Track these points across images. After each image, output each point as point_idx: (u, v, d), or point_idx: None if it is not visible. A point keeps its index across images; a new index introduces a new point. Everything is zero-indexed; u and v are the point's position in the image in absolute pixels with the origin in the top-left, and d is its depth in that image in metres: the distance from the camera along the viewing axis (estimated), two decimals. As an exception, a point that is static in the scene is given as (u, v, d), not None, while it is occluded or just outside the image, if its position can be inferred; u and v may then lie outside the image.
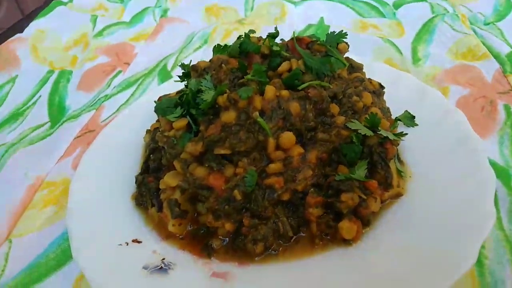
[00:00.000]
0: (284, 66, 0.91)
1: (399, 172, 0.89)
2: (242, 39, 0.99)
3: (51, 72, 1.64)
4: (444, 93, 1.22)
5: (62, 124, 1.35)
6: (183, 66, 1.08)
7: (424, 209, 0.83)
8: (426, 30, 1.57)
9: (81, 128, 1.30)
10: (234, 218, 0.81)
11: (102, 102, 1.41)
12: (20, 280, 0.87)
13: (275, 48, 0.95)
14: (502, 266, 0.76)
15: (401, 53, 1.45)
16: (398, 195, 0.87)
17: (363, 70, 1.07)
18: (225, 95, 0.83)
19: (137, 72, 1.54)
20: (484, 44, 1.42)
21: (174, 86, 1.24)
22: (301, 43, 0.98)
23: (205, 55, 1.60)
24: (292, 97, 0.84)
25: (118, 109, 1.37)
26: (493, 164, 0.96)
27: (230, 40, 1.69)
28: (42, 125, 1.37)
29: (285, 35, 1.68)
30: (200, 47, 1.67)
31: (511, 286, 0.73)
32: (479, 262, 0.77)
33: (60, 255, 0.92)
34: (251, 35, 1.01)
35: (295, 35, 0.98)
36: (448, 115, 1.01)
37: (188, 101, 0.90)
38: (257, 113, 0.81)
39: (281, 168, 0.81)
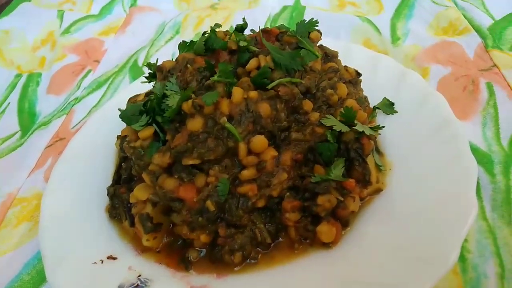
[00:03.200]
0: (252, 63, 0.85)
1: (378, 167, 0.86)
2: (207, 35, 0.93)
3: (19, 76, 1.57)
4: (424, 74, 1.18)
5: (32, 132, 1.30)
6: (149, 66, 1.03)
7: (405, 204, 0.81)
8: (405, 5, 1.51)
9: (52, 135, 1.25)
10: (209, 229, 0.78)
11: (73, 105, 1.35)
12: (-6, 308, 0.85)
13: (242, 43, 0.89)
14: (484, 259, 0.75)
15: (380, 32, 1.40)
16: (378, 190, 0.84)
17: (339, 58, 1.02)
18: (190, 101, 0.78)
19: (107, 71, 1.48)
20: (465, 16, 1.37)
21: (145, 84, 1.18)
22: (270, 36, 0.92)
23: (177, 46, 1.52)
24: (261, 98, 0.80)
25: (89, 112, 1.31)
26: (475, 150, 0.94)
27: (203, 28, 1.63)
28: (13, 135, 1.32)
29: (260, 20, 1.63)
30: (171, 38, 1.60)
31: (494, 280, 0.72)
32: (462, 257, 0.75)
33: (36, 276, 0.89)
34: (217, 29, 0.95)
35: (267, 24, 0.93)
36: (427, 99, 0.97)
37: (153, 108, 0.85)
38: (224, 118, 0.76)
39: (255, 174, 0.77)
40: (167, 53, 1.50)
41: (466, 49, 1.25)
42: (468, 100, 1.09)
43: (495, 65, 1.16)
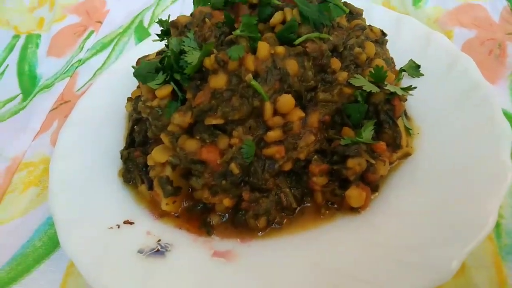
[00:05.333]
0: (277, 17, 0.79)
1: (407, 130, 0.83)
2: (226, -13, 0.86)
3: (17, 37, 1.49)
4: (448, 37, 1.12)
5: (35, 95, 1.24)
6: (161, 22, 0.96)
7: (435, 169, 0.77)
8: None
9: (55, 99, 1.19)
10: (233, 193, 0.74)
11: (76, 68, 1.28)
12: (6, 274, 0.81)
13: (264, -4, 0.83)
14: (520, 225, 0.72)
15: (400, -7, 1.33)
16: (407, 155, 0.81)
17: (363, 16, 0.96)
18: (213, 56, 0.72)
19: (111, 31, 1.40)
20: (489, -22, 1.30)
21: (153, 45, 1.12)
22: (294, -11, 0.86)
23: (184, 6, 1.45)
24: (288, 54, 0.74)
25: (94, 75, 1.25)
26: (505, 114, 0.89)
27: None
28: (14, 98, 1.25)
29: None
30: (178, -3, 1.51)
31: (530, 246, 0.69)
32: (496, 223, 0.72)
33: (48, 242, 0.86)
34: (236, -18, 0.88)
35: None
36: (455, 62, 0.92)
37: (171, 65, 0.79)
38: (250, 75, 0.71)
39: (281, 136, 0.73)
40: (174, 13, 1.40)
41: (491, 12, 1.20)
42: (494, 65, 1.04)
43: (522, 28, 1.11)
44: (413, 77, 0.95)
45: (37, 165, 1.02)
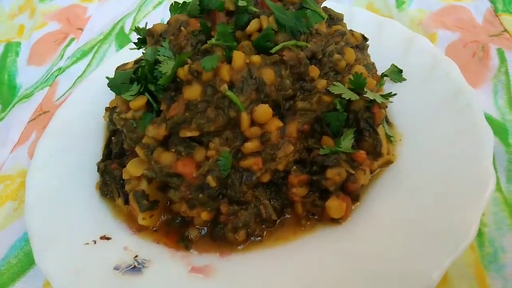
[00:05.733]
0: (253, 25, 0.77)
1: (389, 137, 0.81)
2: (202, -6, 0.84)
3: (-4, 45, 1.45)
4: (431, 40, 1.11)
5: (14, 106, 1.21)
6: (138, 30, 0.94)
7: (417, 176, 0.76)
8: (409, -33, 1.42)
9: (35, 109, 1.17)
10: (211, 206, 0.72)
11: (56, 76, 1.26)
12: (-20, 293, 0.79)
13: (241, 3, 0.81)
14: (502, 233, 0.71)
15: (383, -4, 1.31)
16: (388, 162, 0.79)
17: (344, 21, 0.95)
18: (186, 66, 0.71)
19: (92, 38, 1.38)
20: (472, -20, 1.29)
21: (134, 52, 1.09)
22: (272, -5, 0.84)
23: (166, 12, 1.42)
24: (264, 63, 0.73)
25: (74, 84, 1.23)
26: (488, 118, 0.88)
27: (195, -7, 1.52)
28: (-8, 109, 1.23)
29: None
30: (160, 2, 1.49)
31: (512, 254, 0.68)
32: (478, 231, 0.71)
33: (23, 259, 0.83)
34: (213, -12, 0.86)
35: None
36: (438, 66, 0.91)
37: (145, 75, 0.77)
38: (225, 85, 0.69)
39: (259, 147, 0.71)
40: (155, 19, 1.40)
41: (475, 13, 1.19)
42: (478, 67, 1.03)
43: (505, 30, 1.10)
44: (396, 82, 0.94)
45: (14, 179, 1.00)
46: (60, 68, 1.29)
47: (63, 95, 1.19)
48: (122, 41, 1.34)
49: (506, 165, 0.80)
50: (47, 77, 1.27)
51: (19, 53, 1.41)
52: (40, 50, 1.39)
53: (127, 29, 1.39)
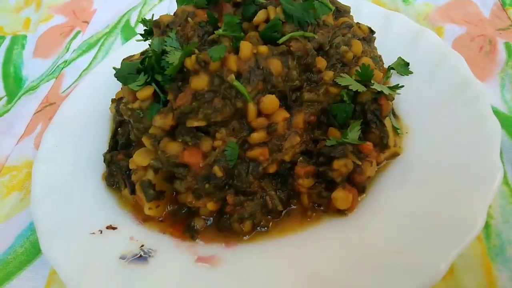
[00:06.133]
0: (260, 16, 0.77)
1: (395, 129, 0.81)
2: (209, -15, 0.84)
3: (2, 38, 1.46)
4: (438, 34, 1.10)
5: (19, 98, 1.21)
6: (144, 22, 0.94)
7: (424, 169, 0.76)
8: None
9: (40, 101, 1.17)
10: (217, 197, 0.72)
11: (62, 69, 1.26)
12: (-14, 281, 0.80)
13: (248, -6, 0.81)
14: (509, 226, 0.71)
15: (390, -10, 1.31)
16: (395, 155, 0.79)
17: (351, 14, 0.95)
18: (194, 56, 0.70)
19: (98, 31, 1.38)
20: (480, -27, 1.28)
21: (139, 45, 1.09)
22: (279, -14, 0.84)
23: (171, 5, 1.43)
24: (271, 54, 0.72)
25: (79, 76, 1.23)
26: (495, 112, 0.88)
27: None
28: (-2, 101, 1.23)
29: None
30: (166, -4, 1.49)
31: (519, 247, 0.68)
32: (485, 224, 0.70)
33: (30, 248, 0.84)
34: (220, -20, 0.86)
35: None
36: (445, 59, 0.91)
37: (152, 66, 0.77)
38: (232, 75, 0.69)
39: (265, 137, 0.71)
40: (161, 13, 1.38)
41: (482, 7, 1.18)
42: (485, 61, 1.03)
43: (513, 24, 1.10)
44: (402, 75, 0.93)
45: (21, 169, 1.00)
46: (66, 61, 1.29)
47: (69, 87, 1.19)
48: (127, 34, 1.34)
49: (513, 158, 0.80)
50: (53, 70, 1.27)
51: (25, 45, 1.41)
52: (46, 43, 1.40)
53: (132, 22, 1.39)
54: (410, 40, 0.99)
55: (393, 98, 0.80)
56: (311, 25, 0.78)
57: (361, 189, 0.74)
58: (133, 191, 0.79)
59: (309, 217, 0.74)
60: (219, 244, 0.74)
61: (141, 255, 0.72)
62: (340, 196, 0.71)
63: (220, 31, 0.75)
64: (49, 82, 1.23)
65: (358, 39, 0.87)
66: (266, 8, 0.78)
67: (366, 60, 0.81)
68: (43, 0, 1.58)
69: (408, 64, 0.94)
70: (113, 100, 0.98)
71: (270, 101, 0.71)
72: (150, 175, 0.75)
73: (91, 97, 1.06)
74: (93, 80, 1.10)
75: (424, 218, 0.68)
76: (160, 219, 0.79)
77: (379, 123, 0.76)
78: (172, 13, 0.88)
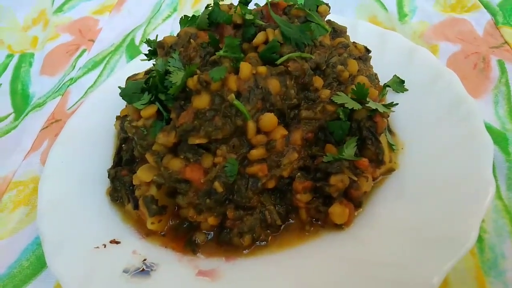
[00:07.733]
0: (260, 37, 0.81)
1: (391, 146, 0.83)
2: (210, 8, 0.88)
3: (10, 56, 1.51)
4: (433, 51, 1.14)
5: (27, 114, 1.25)
6: (148, 42, 0.98)
7: (419, 183, 0.78)
8: (411, -19, 1.45)
9: (47, 118, 1.20)
10: (217, 211, 0.75)
11: (68, 86, 1.30)
12: (-7, 295, 0.82)
13: (248, 16, 0.85)
14: (502, 239, 0.72)
15: (386, 9, 1.35)
16: (390, 170, 0.81)
17: (347, 34, 0.98)
18: (196, 77, 0.74)
19: (103, 50, 1.42)
20: (473, -7, 1.32)
21: (144, 63, 1.13)
22: (277, 8, 0.88)
23: (175, 25, 1.47)
24: (270, 74, 0.76)
25: (85, 93, 1.26)
26: (488, 128, 0.90)
27: (202, 5, 1.57)
28: (6, 117, 1.27)
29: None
30: (169, 15, 1.53)
31: (512, 260, 0.70)
32: (479, 237, 0.72)
33: (35, 262, 0.86)
34: (221, 2, 0.90)
35: (270, -1, 0.88)
36: (439, 77, 0.93)
37: (156, 85, 0.80)
38: (232, 95, 0.72)
39: (264, 154, 0.74)
40: (165, 32, 1.44)
41: (475, 26, 1.21)
42: (479, 78, 1.06)
43: (506, 42, 1.13)
44: (398, 92, 0.96)
45: (27, 184, 1.03)
46: (72, 78, 1.33)
47: (75, 104, 1.23)
48: (132, 52, 1.38)
49: (506, 173, 0.82)
50: (59, 87, 1.31)
51: (33, 63, 1.46)
52: (52, 61, 1.44)
53: (137, 41, 1.43)
54: (405, 58, 1.02)
55: (388, 116, 0.83)
56: (308, 46, 0.82)
57: (358, 204, 0.76)
58: (136, 206, 0.81)
59: (307, 231, 0.76)
60: (219, 258, 0.76)
61: (143, 269, 0.74)
62: (337, 211, 0.73)
63: (221, 52, 0.78)
64: (55, 99, 1.26)
65: (354, 58, 0.90)
66: (265, 30, 0.81)
67: (362, 78, 0.84)
68: (50, 19, 1.63)
69: (403, 81, 0.97)
70: (117, 117, 1.01)
71: (269, 119, 0.74)
72: (153, 190, 0.78)
73: (96, 114, 1.09)
74: (98, 98, 1.13)
75: (418, 232, 0.69)
76: (162, 233, 0.81)
77: (374, 139, 0.78)
78: (175, 32, 0.91)
